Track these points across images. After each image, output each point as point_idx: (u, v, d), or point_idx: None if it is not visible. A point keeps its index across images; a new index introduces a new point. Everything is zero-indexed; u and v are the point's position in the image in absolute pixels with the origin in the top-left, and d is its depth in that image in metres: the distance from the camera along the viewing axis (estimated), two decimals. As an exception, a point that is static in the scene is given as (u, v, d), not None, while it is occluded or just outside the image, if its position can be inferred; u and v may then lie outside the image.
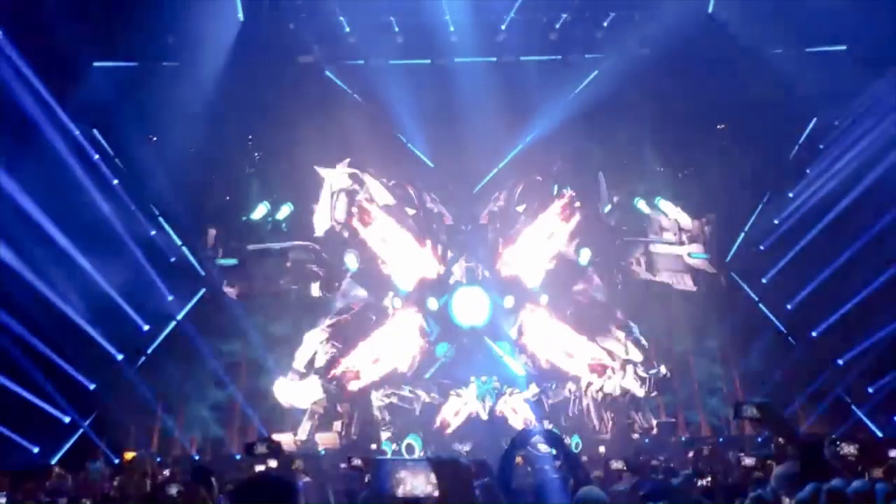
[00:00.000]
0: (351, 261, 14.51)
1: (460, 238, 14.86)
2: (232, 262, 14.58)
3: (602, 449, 11.85)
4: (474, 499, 4.11)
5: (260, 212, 14.92)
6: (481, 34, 13.62)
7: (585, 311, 14.74)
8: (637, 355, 14.15)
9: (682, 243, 14.97)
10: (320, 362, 13.97)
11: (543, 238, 14.62)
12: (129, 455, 7.47)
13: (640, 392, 14.13)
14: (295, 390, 13.78)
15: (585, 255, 14.72)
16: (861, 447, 7.84)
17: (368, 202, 14.51)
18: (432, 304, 14.34)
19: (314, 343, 14.09)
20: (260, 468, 7.32)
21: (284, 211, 14.97)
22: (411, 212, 14.83)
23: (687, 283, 14.91)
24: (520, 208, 14.93)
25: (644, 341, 14.30)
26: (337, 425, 13.88)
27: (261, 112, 14.02)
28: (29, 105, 11.90)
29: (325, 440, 13.60)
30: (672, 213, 15.00)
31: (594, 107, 13.86)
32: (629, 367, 14.14)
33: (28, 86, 11.85)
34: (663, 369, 14.11)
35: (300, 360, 13.95)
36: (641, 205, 15.12)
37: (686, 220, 14.95)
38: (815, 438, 4.03)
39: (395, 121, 14.40)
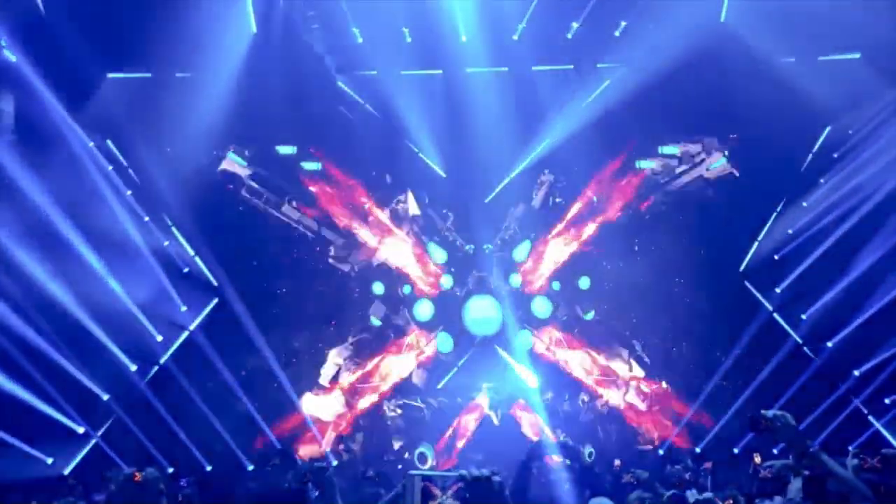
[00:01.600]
0: (378, 287, 14.86)
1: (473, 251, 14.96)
2: None
3: (618, 462, 11.86)
4: None
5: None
6: (493, 44, 13.64)
7: (591, 329, 14.88)
8: (640, 372, 14.45)
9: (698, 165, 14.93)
10: (343, 378, 14.35)
11: (554, 253, 14.78)
12: (138, 475, 7.42)
13: (642, 406, 14.34)
14: (320, 404, 14.24)
15: (585, 282, 14.81)
16: (883, 459, 7.75)
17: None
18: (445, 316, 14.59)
19: (338, 359, 14.48)
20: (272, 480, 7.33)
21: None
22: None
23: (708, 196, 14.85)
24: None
25: (647, 358, 14.51)
26: (359, 437, 14.09)
27: (273, 123, 14.04)
28: (42, 117, 12.02)
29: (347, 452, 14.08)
30: (680, 150, 14.88)
31: (605, 117, 13.90)
32: (632, 383, 14.37)
33: (41, 99, 11.98)
34: (664, 385, 14.25)
35: (325, 375, 14.45)
36: (646, 163, 14.99)
37: (695, 147, 14.86)
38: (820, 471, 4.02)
39: (407, 131, 14.47)
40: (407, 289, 14.86)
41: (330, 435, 14.18)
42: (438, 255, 14.80)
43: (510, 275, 14.77)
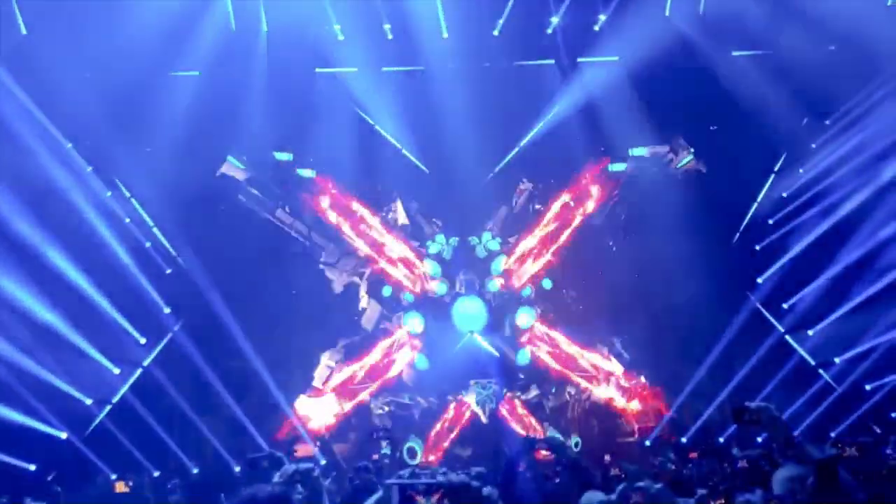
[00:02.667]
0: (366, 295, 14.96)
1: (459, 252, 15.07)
2: None
3: (608, 457, 11.95)
4: None
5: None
6: (475, 39, 13.66)
7: (573, 326, 14.99)
8: (618, 368, 14.61)
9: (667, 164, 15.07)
10: (335, 380, 14.40)
11: (535, 252, 14.90)
12: (120, 486, 7.39)
13: (620, 402, 14.48)
14: (315, 406, 14.23)
15: (548, 283, 14.96)
16: (860, 448, 7.88)
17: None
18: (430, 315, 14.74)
19: (330, 362, 14.57)
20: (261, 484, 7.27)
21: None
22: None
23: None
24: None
25: (626, 354, 14.71)
26: (352, 436, 14.33)
27: (252, 123, 13.95)
28: (17, 119, 11.89)
29: (340, 449, 14.14)
30: (648, 152, 15.01)
31: (586, 111, 13.96)
32: (612, 379, 14.55)
33: (17, 101, 11.86)
34: (643, 379, 14.45)
35: (318, 378, 14.46)
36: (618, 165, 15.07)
37: (663, 148, 15.00)
38: (830, 456, 3.99)
39: (390, 127, 14.45)
40: (388, 292, 14.91)
41: (321, 435, 14.15)
42: (431, 267, 14.84)
43: (490, 279, 14.80)
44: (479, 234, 15.07)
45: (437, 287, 14.77)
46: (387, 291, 14.89)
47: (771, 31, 13.35)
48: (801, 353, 14.18)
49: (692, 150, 14.75)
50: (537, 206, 15.17)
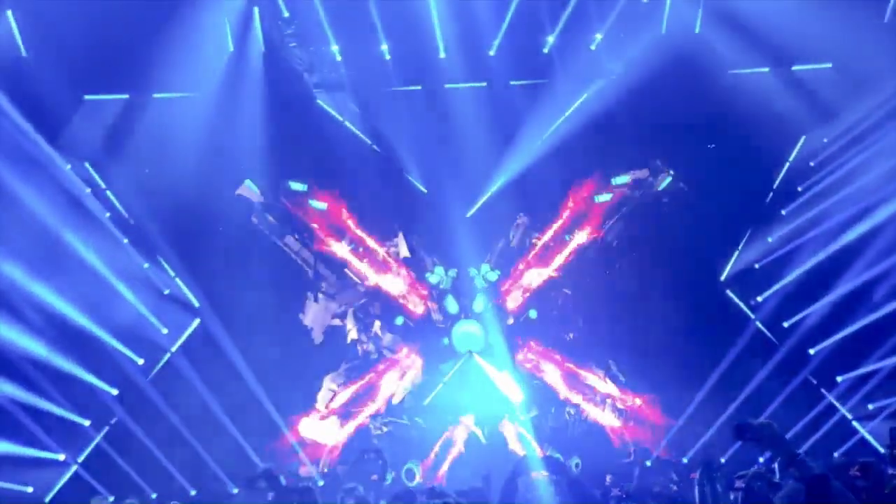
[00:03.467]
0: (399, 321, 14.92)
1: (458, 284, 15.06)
2: None
3: (609, 477, 11.85)
4: None
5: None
6: (471, 59, 13.71)
7: (569, 349, 14.94)
8: (615, 390, 14.55)
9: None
10: (337, 402, 14.42)
11: (533, 276, 14.89)
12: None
13: (616, 423, 14.47)
14: (319, 429, 14.27)
15: (533, 313, 14.93)
16: (862, 467, 7.78)
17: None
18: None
19: (332, 385, 14.54)
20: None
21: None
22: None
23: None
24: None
25: (622, 377, 14.62)
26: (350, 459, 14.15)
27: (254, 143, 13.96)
28: (15, 143, 11.92)
29: (341, 471, 14.00)
30: (630, 178, 14.91)
31: (584, 130, 13.98)
32: (608, 401, 14.53)
33: (14, 125, 11.90)
34: (638, 401, 14.38)
35: (321, 401, 14.42)
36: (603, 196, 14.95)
37: (643, 172, 14.93)
38: (821, 471, 3.95)
39: (388, 148, 14.48)
40: (399, 320, 14.87)
41: (323, 456, 14.09)
42: (453, 306, 14.89)
43: (488, 302, 14.78)
44: (477, 266, 14.97)
45: (449, 305, 14.79)
46: (399, 321, 14.86)
47: (767, 48, 13.38)
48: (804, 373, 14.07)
49: (671, 171, 14.70)
50: (534, 239, 15.08)
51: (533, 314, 14.91)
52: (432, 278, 14.94)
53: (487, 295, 14.80)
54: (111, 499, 6.62)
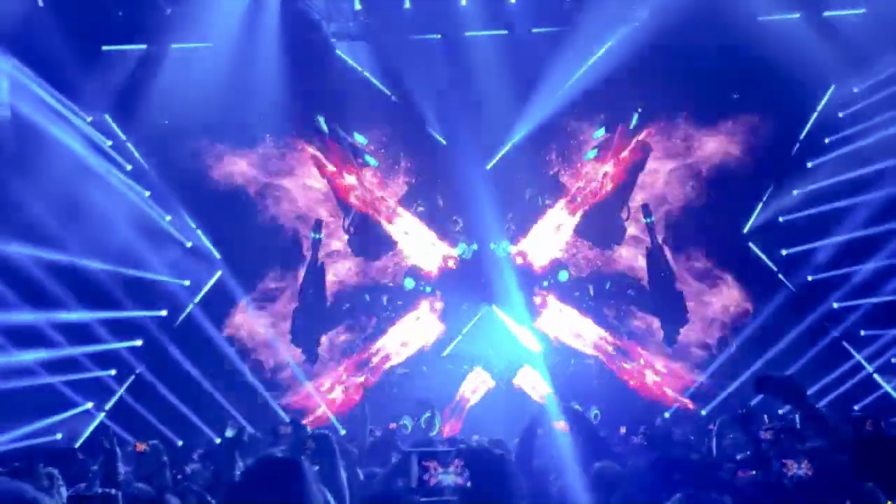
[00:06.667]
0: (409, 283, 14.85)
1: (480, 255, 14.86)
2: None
3: (623, 429, 11.92)
4: (508, 489, 4.06)
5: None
6: (492, 6, 13.44)
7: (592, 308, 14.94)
8: (636, 344, 14.65)
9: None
10: (356, 354, 14.58)
11: (552, 230, 14.74)
12: (141, 446, 7.47)
13: (639, 376, 14.54)
14: (338, 380, 14.41)
15: (564, 275, 14.75)
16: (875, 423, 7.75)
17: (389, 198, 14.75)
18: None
19: (351, 336, 14.70)
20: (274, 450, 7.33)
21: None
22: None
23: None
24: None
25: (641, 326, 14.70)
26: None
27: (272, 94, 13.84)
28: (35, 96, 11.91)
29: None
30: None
31: (607, 79, 13.69)
32: (631, 354, 14.61)
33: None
34: (660, 356, 14.45)
35: (338, 352, 14.60)
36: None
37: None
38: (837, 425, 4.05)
39: (407, 98, 14.31)
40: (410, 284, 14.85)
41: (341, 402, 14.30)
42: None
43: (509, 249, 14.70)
44: (497, 241, 14.79)
45: (459, 250, 14.68)
46: (409, 284, 14.83)
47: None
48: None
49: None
50: (547, 202, 14.93)
51: (563, 276, 14.86)
52: (455, 251, 14.84)
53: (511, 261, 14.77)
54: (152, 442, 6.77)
